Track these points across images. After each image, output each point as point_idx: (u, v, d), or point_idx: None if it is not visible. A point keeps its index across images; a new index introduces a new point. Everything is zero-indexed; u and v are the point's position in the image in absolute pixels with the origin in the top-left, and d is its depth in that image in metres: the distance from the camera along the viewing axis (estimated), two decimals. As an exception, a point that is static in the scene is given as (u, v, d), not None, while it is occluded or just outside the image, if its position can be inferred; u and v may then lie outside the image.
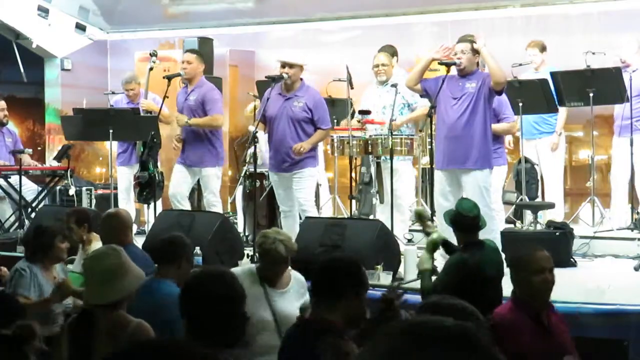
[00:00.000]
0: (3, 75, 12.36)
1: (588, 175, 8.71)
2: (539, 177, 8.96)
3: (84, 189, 9.89)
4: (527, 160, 8.77)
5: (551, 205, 8.46)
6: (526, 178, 8.67)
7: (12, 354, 3.10)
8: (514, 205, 8.63)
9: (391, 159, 7.58)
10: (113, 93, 10.18)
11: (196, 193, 9.30)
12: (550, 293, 4.37)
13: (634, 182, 8.54)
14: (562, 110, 8.70)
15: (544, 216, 8.41)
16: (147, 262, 5.46)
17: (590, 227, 8.28)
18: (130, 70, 10.24)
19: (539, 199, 8.83)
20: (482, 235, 6.88)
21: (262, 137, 8.20)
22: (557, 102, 8.37)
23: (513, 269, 4.40)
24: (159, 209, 8.83)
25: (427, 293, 4.97)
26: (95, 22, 12.73)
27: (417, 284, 5.93)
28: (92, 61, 12.87)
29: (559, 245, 7.49)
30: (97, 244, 6.05)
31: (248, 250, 7.52)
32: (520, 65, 8.90)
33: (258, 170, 8.39)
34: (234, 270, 4.89)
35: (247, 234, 8.61)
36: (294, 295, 4.90)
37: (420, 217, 5.62)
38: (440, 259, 6.76)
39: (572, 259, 7.52)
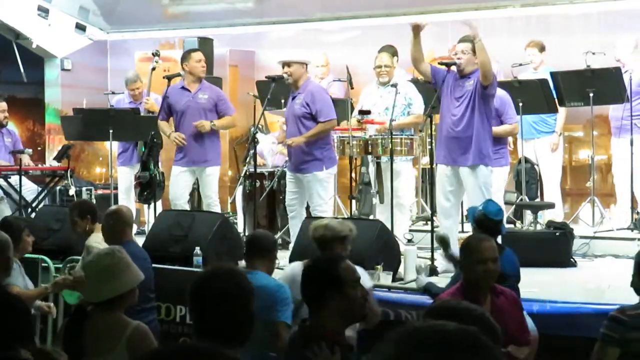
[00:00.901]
0: (3, 75, 12.35)
1: (588, 175, 8.71)
2: (538, 177, 8.96)
3: (84, 189, 9.89)
4: (527, 161, 8.78)
5: (551, 205, 8.46)
6: (526, 178, 8.68)
7: None
8: (514, 206, 8.63)
9: (391, 159, 7.58)
10: (113, 93, 10.18)
11: (196, 193, 9.30)
12: (492, 282, 4.48)
13: (632, 183, 8.54)
14: (562, 111, 8.70)
15: (544, 216, 8.41)
16: (145, 261, 5.48)
17: (590, 227, 8.28)
18: (133, 70, 10.23)
19: (538, 199, 8.84)
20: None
21: (262, 138, 8.22)
22: (557, 102, 8.38)
23: (461, 255, 4.59)
24: (159, 209, 8.83)
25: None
26: (95, 22, 12.73)
27: (416, 284, 5.94)
28: (92, 61, 12.87)
29: (559, 245, 7.50)
30: (98, 234, 6.06)
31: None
32: (520, 65, 8.91)
33: (259, 171, 8.40)
34: (296, 265, 5.21)
35: (247, 234, 8.59)
36: None
37: (442, 242, 5.72)
38: (440, 259, 6.77)
39: (572, 259, 7.52)
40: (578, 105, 8.45)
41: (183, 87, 8.50)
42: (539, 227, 7.95)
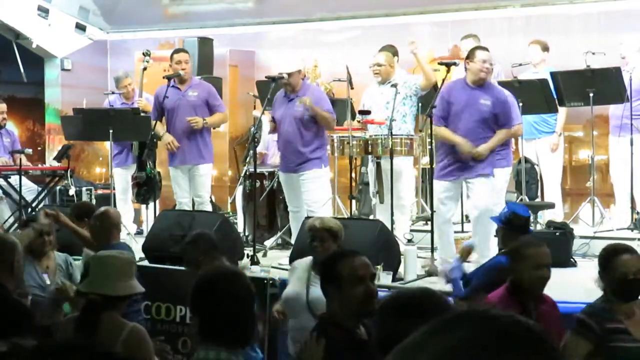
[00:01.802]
0: (3, 75, 12.35)
1: (588, 175, 8.70)
2: (538, 178, 8.96)
3: (83, 189, 9.88)
4: (527, 161, 8.77)
5: (551, 206, 8.46)
6: (526, 178, 8.67)
7: None
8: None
9: (391, 159, 7.57)
10: (113, 93, 10.17)
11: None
12: (543, 288, 4.41)
13: (633, 182, 8.54)
14: (562, 111, 8.70)
15: (544, 216, 8.40)
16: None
17: (590, 227, 8.27)
18: (122, 70, 10.22)
19: (538, 199, 8.83)
20: (484, 235, 6.92)
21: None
22: (557, 102, 8.37)
23: (513, 259, 4.44)
24: (157, 209, 8.84)
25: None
26: (95, 22, 12.73)
27: (416, 284, 5.94)
28: (92, 61, 12.87)
29: (559, 245, 7.49)
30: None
31: (248, 250, 7.52)
32: (520, 65, 8.91)
33: (259, 171, 8.40)
34: (298, 261, 5.34)
35: (247, 234, 8.60)
36: None
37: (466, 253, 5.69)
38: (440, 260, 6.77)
39: (572, 259, 7.52)
40: (578, 105, 8.44)
41: (173, 86, 8.54)
42: (539, 227, 7.95)
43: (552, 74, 8.36)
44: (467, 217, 8.59)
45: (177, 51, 8.87)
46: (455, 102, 7.16)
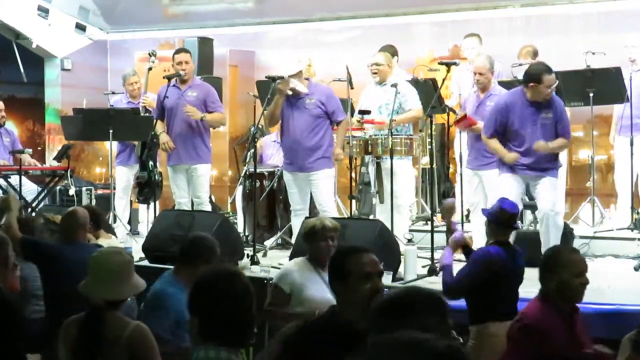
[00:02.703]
0: (3, 75, 12.35)
1: (588, 175, 8.71)
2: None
3: (84, 189, 9.88)
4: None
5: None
6: (526, 178, 8.67)
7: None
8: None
9: (391, 159, 7.57)
10: (113, 93, 10.18)
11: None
12: (583, 296, 4.31)
13: (632, 182, 8.54)
14: (561, 111, 8.69)
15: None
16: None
17: (590, 227, 8.27)
18: (131, 67, 10.23)
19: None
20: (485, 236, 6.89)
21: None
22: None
23: (551, 268, 4.26)
24: (157, 209, 8.84)
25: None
26: (95, 22, 12.73)
27: (416, 284, 5.94)
28: (92, 61, 12.87)
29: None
30: (104, 240, 6.03)
31: (248, 250, 7.52)
32: (520, 65, 8.89)
33: (259, 171, 8.40)
34: (289, 265, 5.33)
35: (247, 234, 8.60)
36: None
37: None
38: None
39: (572, 259, 7.51)
40: (578, 105, 8.44)
41: (174, 86, 8.55)
42: (539, 227, 7.94)
43: (552, 74, 8.36)
44: (467, 216, 8.59)
45: (178, 51, 8.88)
46: (516, 119, 6.99)
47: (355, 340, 2.91)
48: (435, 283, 5.99)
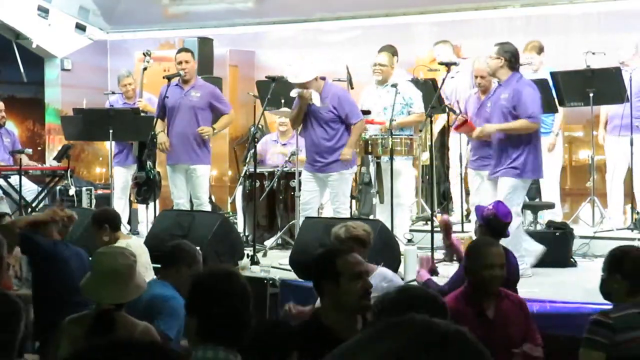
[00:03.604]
0: (3, 75, 12.35)
1: (588, 175, 8.70)
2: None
3: (83, 189, 9.88)
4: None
5: (551, 206, 8.46)
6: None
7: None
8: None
9: (391, 159, 7.57)
10: (113, 93, 10.18)
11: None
12: (497, 287, 4.45)
13: (633, 182, 8.55)
14: (560, 111, 8.69)
15: (544, 216, 8.40)
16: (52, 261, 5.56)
17: (590, 227, 8.27)
18: (125, 68, 10.23)
19: (538, 199, 8.83)
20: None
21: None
22: (557, 103, 8.37)
23: (467, 259, 4.53)
24: (157, 209, 8.84)
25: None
26: (95, 22, 12.73)
27: (416, 284, 5.93)
28: (92, 61, 12.87)
29: (559, 245, 7.50)
30: (122, 241, 6.00)
31: (248, 250, 7.52)
32: (521, 65, 8.88)
33: (259, 171, 8.40)
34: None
35: (247, 234, 8.60)
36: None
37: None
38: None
39: (572, 259, 7.52)
40: (578, 105, 8.44)
41: (177, 85, 8.55)
42: (539, 227, 7.95)
43: (552, 74, 8.36)
44: (467, 216, 8.60)
45: (179, 51, 8.89)
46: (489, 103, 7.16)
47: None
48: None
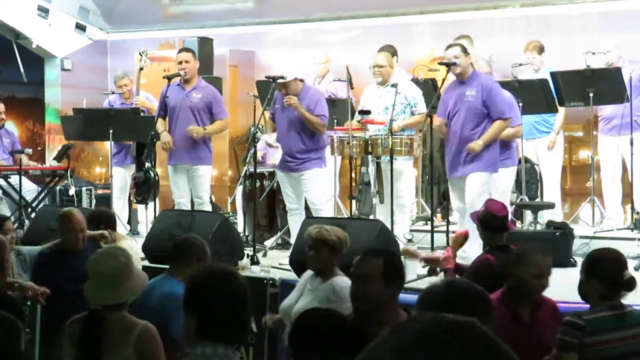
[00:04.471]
0: (3, 75, 12.35)
1: (588, 175, 8.70)
2: (538, 178, 8.95)
3: (83, 189, 9.89)
4: (527, 160, 8.77)
5: (551, 206, 8.46)
6: (526, 178, 8.67)
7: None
8: (514, 205, 8.62)
9: (391, 159, 7.58)
10: (113, 93, 10.18)
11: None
12: (540, 296, 4.38)
13: (632, 182, 8.55)
14: (561, 110, 8.69)
15: (544, 216, 8.40)
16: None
17: (590, 227, 8.27)
18: (122, 69, 10.24)
19: (538, 199, 8.83)
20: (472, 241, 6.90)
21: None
22: (557, 102, 8.37)
23: (514, 263, 4.35)
24: (157, 209, 8.84)
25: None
26: (95, 22, 12.73)
27: (416, 284, 5.95)
28: (92, 61, 12.87)
29: (559, 245, 7.49)
30: (122, 242, 6.00)
31: (248, 250, 7.52)
32: (520, 65, 8.89)
33: (259, 171, 8.40)
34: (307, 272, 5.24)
35: (247, 234, 8.60)
36: (318, 298, 4.89)
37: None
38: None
39: (572, 259, 7.52)
40: (578, 105, 8.44)
41: (178, 85, 8.56)
42: (539, 227, 7.95)
43: (552, 74, 8.36)
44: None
45: (179, 51, 8.90)
46: (449, 100, 7.28)
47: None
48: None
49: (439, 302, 2.63)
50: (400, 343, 1.31)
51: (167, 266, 5.87)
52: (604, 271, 4.04)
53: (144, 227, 9.04)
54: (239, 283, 3.24)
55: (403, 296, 6.21)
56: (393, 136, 7.63)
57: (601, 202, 8.57)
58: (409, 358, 1.29)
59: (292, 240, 7.52)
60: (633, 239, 7.89)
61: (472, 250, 6.14)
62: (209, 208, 8.65)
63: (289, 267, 6.82)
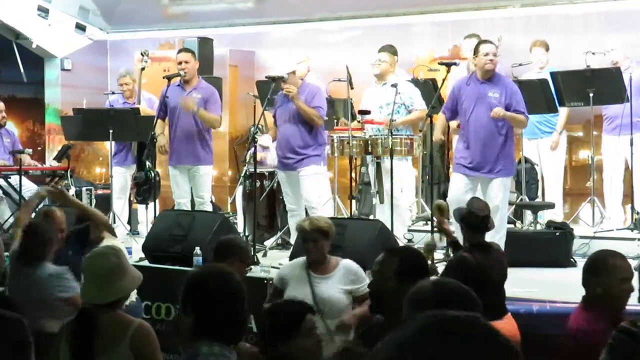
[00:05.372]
0: (3, 75, 12.35)
1: (588, 175, 8.70)
2: (539, 177, 8.96)
3: (84, 189, 9.88)
4: (527, 160, 8.78)
5: (551, 206, 8.46)
6: (526, 178, 8.67)
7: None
8: (514, 205, 8.62)
9: (391, 159, 7.58)
10: (113, 93, 10.18)
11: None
12: (626, 301, 4.24)
13: (633, 182, 8.55)
14: (563, 110, 8.69)
15: (544, 216, 8.41)
16: None
17: (590, 227, 8.27)
18: (124, 68, 10.23)
19: (538, 199, 8.83)
20: (490, 236, 6.91)
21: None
22: (557, 102, 8.37)
23: (597, 274, 4.17)
24: (157, 209, 8.84)
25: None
26: (95, 22, 12.73)
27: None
28: (92, 61, 12.87)
29: (559, 245, 7.50)
30: (108, 240, 6.00)
31: (248, 250, 7.52)
32: (521, 65, 8.89)
33: (259, 171, 8.40)
34: (287, 263, 5.57)
35: (247, 234, 8.60)
36: (337, 280, 5.17)
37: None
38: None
39: (572, 259, 7.52)
40: (578, 105, 8.44)
41: (179, 85, 8.56)
42: (539, 227, 7.95)
43: (552, 74, 8.37)
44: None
45: (179, 51, 8.90)
46: (465, 97, 7.20)
47: None
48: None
49: (427, 301, 2.64)
50: (404, 339, 1.34)
51: (168, 266, 5.93)
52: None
53: (144, 227, 9.04)
54: (236, 283, 3.24)
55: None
56: (393, 136, 7.63)
57: (601, 202, 8.57)
58: (412, 353, 1.31)
59: (292, 240, 7.53)
60: (633, 239, 7.89)
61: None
62: (210, 208, 8.66)
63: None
